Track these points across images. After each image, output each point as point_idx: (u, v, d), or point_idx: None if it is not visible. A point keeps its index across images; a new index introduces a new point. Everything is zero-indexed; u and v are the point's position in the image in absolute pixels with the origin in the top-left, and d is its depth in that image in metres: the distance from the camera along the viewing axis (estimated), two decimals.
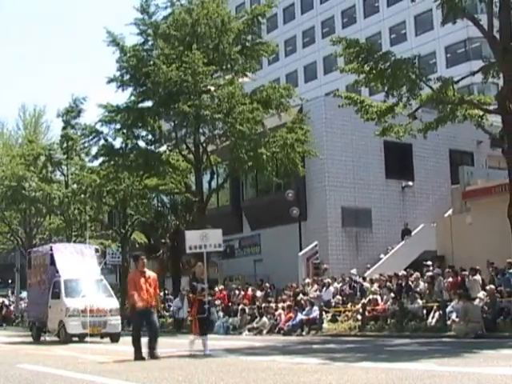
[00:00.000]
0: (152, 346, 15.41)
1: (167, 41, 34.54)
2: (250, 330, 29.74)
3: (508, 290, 22.42)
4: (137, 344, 15.49)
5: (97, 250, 29.92)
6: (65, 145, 46.62)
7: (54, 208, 46.86)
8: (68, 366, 14.32)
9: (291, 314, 28.92)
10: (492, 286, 22.64)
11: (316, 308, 27.90)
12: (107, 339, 25.98)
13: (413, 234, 36.44)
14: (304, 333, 27.11)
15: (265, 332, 29.08)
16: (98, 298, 26.08)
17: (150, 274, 16.10)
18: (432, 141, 32.83)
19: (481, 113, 23.63)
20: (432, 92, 22.55)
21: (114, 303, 26.62)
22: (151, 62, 34.10)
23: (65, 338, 25.14)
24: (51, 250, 28.46)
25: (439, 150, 39.85)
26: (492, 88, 46.29)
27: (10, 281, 66.67)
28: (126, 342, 21.90)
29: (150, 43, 36.28)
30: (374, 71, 22.61)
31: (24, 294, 56.54)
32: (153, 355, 15.27)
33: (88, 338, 25.21)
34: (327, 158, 36.44)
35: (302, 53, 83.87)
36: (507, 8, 22.02)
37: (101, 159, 37.99)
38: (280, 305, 30.37)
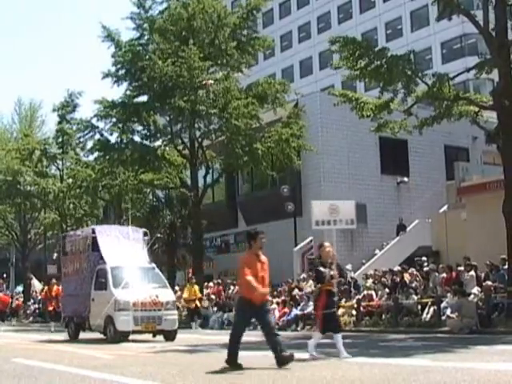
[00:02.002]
0: (281, 349, 11.96)
1: (163, 35, 34.47)
2: None
3: (502, 286, 22.48)
4: (235, 345, 12.26)
5: (145, 234, 25.00)
6: (60, 139, 46.57)
7: (49, 202, 46.84)
8: (63, 360, 14.32)
9: (286, 309, 28.96)
10: (489, 282, 22.69)
11: (311, 303, 27.93)
12: (159, 337, 22.34)
13: (408, 229, 36.47)
14: (299, 328, 27.15)
15: (259, 327, 29.08)
16: (152, 288, 22.25)
17: (264, 258, 12.88)
18: (427, 137, 32.80)
19: (476, 109, 23.68)
20: (427, 88, 22.59)
21: (169, 295, 22.90)
22: (147, 57, 34.03)
23: (114, 336, 21.14)
24: (93, 232, 23.98)
25: (434, 145, 39.87)
26: (487, 84, 46.37)
27: (4, 275, 66.56)
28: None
29: (145, 38, 36.19)
30: (370, 67, 22.64)
31: (19, 289, 56.58)
32: (283, 360, 11.69)
33: (135, 336, 21.63)
34: (322, 153, 36.42)
35: (297, 48, 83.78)
36: (503, 4, 22.07)
37: (96, 154, 37.91)
38: (275, 300, 30.39)
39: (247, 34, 36.22)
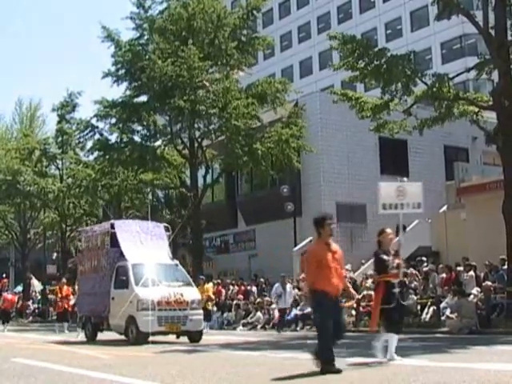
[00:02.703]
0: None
1: (163, 35, 34.47)
2: (244, 325, 29.78)
3: (502, 286, 22.49)
4: (327, 346, 10.50)
5: (167, 229, 23.54)
6: (60, 139, 46.57)
7: (48, 202, 46.82)
8: (63, 360, 14.31)
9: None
10: (488, 283, 22.69)
11: None
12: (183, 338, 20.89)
13: (407, 229, 36.38)
14: (298, 328, 27.16)
15: (259, 327, 29.13)
16: (176, 287, 20.87)
17: (336, 247, 11.18)
18: (427, 137, 32.75)
19: (476, 109, 23.69)
20: (427, 88, 22.60)
21: (194, 293, 21.44)
22: (147, 57, 34.05)
23: (136, 337, 19.77)
24: (112, 227, 22.43)
25: (434, 146, 39.84)
26: (487, 84, 46.33)
27: (4, 275, 66.54)
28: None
29: (145, 38, 36.21)
30: (369, 67, 22.65)
31: (19, 289, 56.54)
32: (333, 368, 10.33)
33: (156, 338, 20.04)
34: (322, 153, 36.41)
35: (297, 48, 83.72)
36: (502, 4, 22.09)
37: (96, 154, 37.93)
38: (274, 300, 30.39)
39: (247, 34, 36.22)
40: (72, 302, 30.05)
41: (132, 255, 21.25)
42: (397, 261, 12.11)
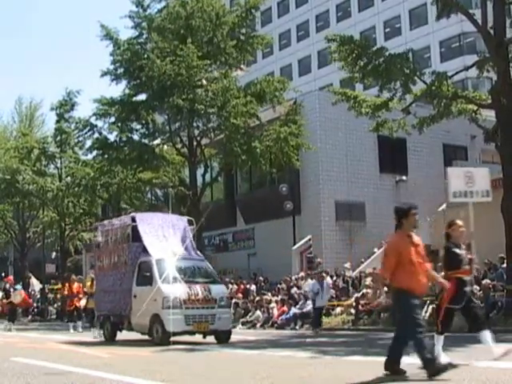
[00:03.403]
0: (398, 360, 9.92)
1: (161, 34, 34.44)
2: (243, 324, 29.79)
3: (501, 285, 22.50)
4: (430, 353, 9.61)
5: (191, 223, 22.28)
6: (58, 138, 46.53)
7: (47, 201, 46.76)
8: (63, 359, 14.31)
9: (285, 308, 28.97)
10: (488, 281, 22.70)
11: (309, 302, 27.95)
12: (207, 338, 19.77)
13: None
14: (297, 327, 27.17)
15: (258, 326, 29.13)
16: (203, 283, 19.78)
17: (418, 240, 10.03)
18: (426, 135, 32.72)
19: (475, 107, 23.69)
20: (426, 87, 22.60)
21: (222, 290, 20.65)
22: (145, 56, 34.02)
23: (162, 337, 18.56)
24: (134, 221, 21.15)
25: (433, 144, 39.83)
26: (486, 83, 46.36)
27: (3, 274, 66.55)
28: (125, 335, 21.95)
29: (144, 36, 36.18)
30: (368, 67, 22.64)
31: (18, 287, 56.44)
32: (397, 370, 9.80)
33: (179, 338, 18.90)
34: (321, 152, 36.40)
35: (296, 47, 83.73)
36: (501, 3, 22.09)
37: (95, 152, 37.90)
38: (274, 298, 30.42)
39: (246, 33, 36.19)
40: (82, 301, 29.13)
41: (155, 250, 20.15)
42: (469, 256, 11.17)
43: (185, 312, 18.68)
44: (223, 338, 19.16)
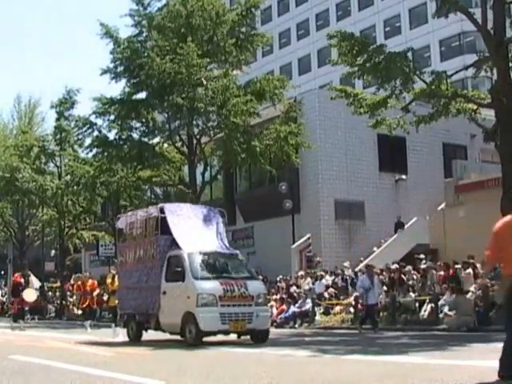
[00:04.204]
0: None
1: (161, 32, 34.42)
2: None
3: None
4: None
5: (222, 214, 20.95)
6: (58, 136, 46.52)
7: (47, 199, 46.72)
8: (62, 357, 14.31)
9: (284, 307, 28.99)
10: (487, 280, 22.70)
11: (309, 301, 27.99)
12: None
13: (406, 227, 36.49)
14: (296, 325, 27.20)
15: None
16: (239, 279, 18.40)
17: None
18: (425, 134, 32.85)
19: (474, 107, 23.69)
20: (426, 85, 22.60)
21: (260, 287, 19.11)
22: (145, 54, 34.00)
23: (195, 337, 17.32)
24: (162, 212, 19.69)
25: (433, 143, 39.86)
26: (486, 82, 46.37)
27: (2, 272, 66.55)
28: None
29: (144, 35, 36.17)
30: (368, 64, 22.64)
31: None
32: None
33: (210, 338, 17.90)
34: (321, 150, 36.40)
35: (296, 45, 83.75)
36: (501, 2, 22.08)
37: (94, 150, 37.89)
38: (273, 297, 30.42)
39: (246, 32, 36.18)
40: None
41: (186, 243, 18.75)
42: None
43: (220, 310, 17.37)
44: (260, 337, 17.92)
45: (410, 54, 22.96)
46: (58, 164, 48.12)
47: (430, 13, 53.10)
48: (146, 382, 9.85)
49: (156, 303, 18.82)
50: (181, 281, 18.01)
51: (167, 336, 19.07)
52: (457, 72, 24.22)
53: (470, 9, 24.15)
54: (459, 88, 26.86)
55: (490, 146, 25.10)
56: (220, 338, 17.75)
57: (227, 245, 20.13)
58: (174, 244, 18.95)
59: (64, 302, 46.47)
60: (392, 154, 38.65)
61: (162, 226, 19.37)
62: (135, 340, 19.72)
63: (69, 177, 45.29)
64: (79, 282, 30.06)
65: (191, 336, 17.41)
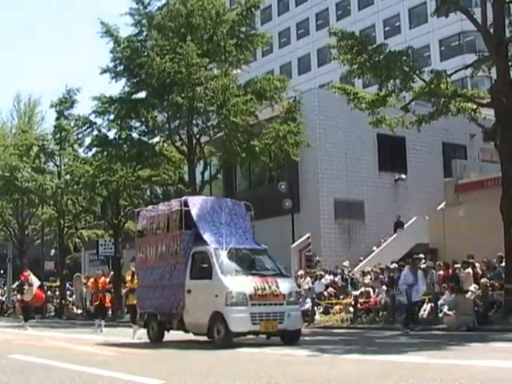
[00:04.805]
0: None
1: (161, 32, 34.42)
2: None
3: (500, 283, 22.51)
4: None
5: (248, 208, 19.76)
6: (58, 135, 46.52)
7: (46, 198, 46.73)
8: (61, 357, 14.31)
9: None
10: (486, 280, 22.72)
11: (308, 300, 27.97)
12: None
13: (405, 226, 36.50)
14: None
15: None
16: (269, 276, 17.32)
17: None
18: (425, 134, 32.82)
19: (474, 106, 23.70)
20: (425, 84, 22.60)
21: (291, 285, 18.19)
22: (145, 53, 34.00)
23: (224, 338, 16.29)
24: (186, 205, 18.56)
25: (432, 143, 39.86)
26: (486, 82, 46.36)
27: (2, 271, 66.54)
28: (126, 333, 21.90)
29: (144, 34, 36.17)
30: (368, 63, 22.64)
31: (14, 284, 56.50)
32: None
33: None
34: (320, 150, 36.40)
35: (296, 45, 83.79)
36: (501, 2, 22.09)
37: (94, 150, 37.92)
38: None
39: (246, 31, 36.18)
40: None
41: (212, 238, 17.77)
42: None
43: (251, 309, 16.29)
44: (291, 338, 16.89)
45: (409, 53, 22.94)
46: (57, 163, 48.12)
47: (430, 12, 53.27)
48: (146, 382, 9.85)
49: (180, 302, 17.81)
50: (207, 278, 17.00)
51: (188, 336, 18.41)
52: (456, 71, 24.24)
53: (469, 8, 24.17)
54: (459, 87, 26.86)
55: (490, 146, 25.13)
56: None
57: (255, 240, 19.16)
58: (199, 239, 17.93)
59: (64, 302, 46.47)
60: (392, 154, 38.67)
61: (186, 220, 18.28)
62: (156, 341, 18.73)
63: (68, 176, 45.24)
64: (92, 280, 29.15)
65: (220, 337, 16.37)
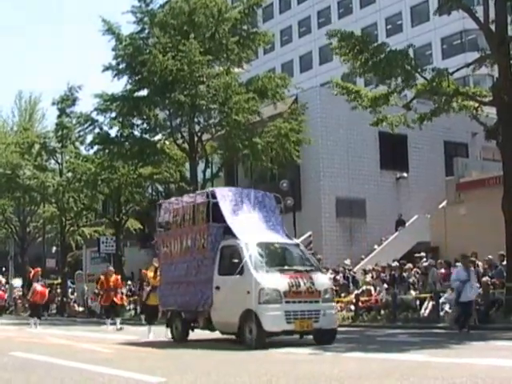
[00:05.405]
0: None
1: (163, 29, 34.43)
2: None
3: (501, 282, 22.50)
4: None
5: (278, 200, 18.86)
6: (59, 133, 46.51)
7: (48, 196, 46.77)
8: (62, 354, 14.32)
9: None
10: (488, 278, 22.69)
11: None
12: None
13: (407, 224, 36.49)
14: None
15: None
16: (303, 272, 16.20)
17: None
18: (427, 132, 32.81)
19: (476, 104, 23.68)
20: (427, 82, 22.57)
21: (326, 281, 17.23)
22: (147, 51, 34.00)
23: (257, 338, 15.18)
24: (213, 197, 17.51)
25: (434, 141, 39.83)
26: (488, 80, 46.34)
27: (3, 269, 66.60)
28: (128, 331, 21.80)
29: (146, 32, 36.17)
30: (369, 62, 22.60)
31: (17, 283, 56.59)
32: None
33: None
34: (322, 148, 36.41)
35: (297, 43, 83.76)
36: (503, 0, 22.05)
37: (96, 147, 37.95)
38: None
39: (247, 29, 36.18)
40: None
41: (242, 232, 16.61)
42: None
43: (285, 307, 15.25)
44: (327, 338, 15.87)
45: (411, 51, 22.92)
46: (59, 161, 48.14)
47: (432, 10, 53.18)
48: (147, 379, 9.84)
49: (208, 299, 16.67)
50: (238, 274, 15.85)
51: (212, 335, 17.69)
52: (458, 69, 24.20)
53: (471, 6, 24.15)
54: (461, 86, 26.84)
55: (492, 144, 25.12)
56: (220, 336, 17.69)
57: (286, 233, 18.13)
58: (227, 233, 16.85)
59: (65, 299, 46.53)
60: (393, 152, 38.64)
61: (215, 213, 17.18)
62: (181, 340, 17.63)
63: (70, 174, 45.29)
64: (102, 277, 28.18)
65: (252, 337, 15.29)
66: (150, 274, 22.04)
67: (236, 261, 15.95)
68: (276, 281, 15.40)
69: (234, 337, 16.60)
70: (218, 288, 16.39)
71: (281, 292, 15.21)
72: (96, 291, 35.19)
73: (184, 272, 17.75)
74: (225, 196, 17.68)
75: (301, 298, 15.46)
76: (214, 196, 17.48)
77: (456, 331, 19.02)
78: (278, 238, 17.22)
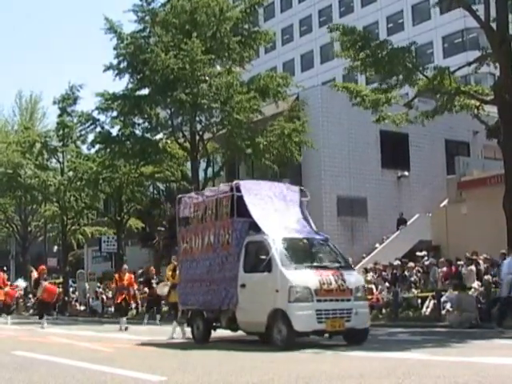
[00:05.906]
0: None
1: (165, 28, 34.43)
2: None
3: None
4: None
5: (305, 194, 18.11)
6: (61, 132, 46.51)
7: (49, 195, 46.79)
8: (63, 353, 14.33)
9: None
10: (489, 277, 22.69)
11: None
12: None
13: (408, 223, 36.48)
14: None
15: None
16: (334, 269, 15.39)
17: None
18: (428, 131, 32.81)
19: (477, 103, 23.68)
20: (428, 81, 22.57)
21: (358, 279, 16.30)
22: (149, 50, 33.97)
23: (287, 338, 14.44)
24: (237, 190, 16.63)
25: (435, 140, 39.83)
26: (489, 78, 46.31)
27: (5, 268, 66.66)
28: (130, 330, 21.75)
29: (147, 30, 36.14)
30: (371, 59, 22.60)
31: (20, 282, 56.56)
32: None
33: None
34: (323, 147, 36.40)
35: (298, 41, 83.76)
36: None
37: (97, 146, 37.94)
38: None
39: (249, 28, 36.18)
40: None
41: (269, 227, 15.80)
42: None
43: (316, 306, 14.47)
44: (358, 338, 15.18)
45: (412, 49, 22.92)
46: (60, 160, 48.14)
47: (433, 9, 53.18)
48: (148, 378, 9.85)
49: (233, 298, 15.85)
50: (266, 271, 15.08)
51: (237, 334, 17.12)
52: (459, 68, 24.20)
53: (473, 5, 24.14)
54: (462, 84, 26.84)
55: (493, 143, 25.13)
56: (222, 334, 17.67)
57: (315, 228, 17.22)
58: (252, 228, 16.06)
59: (67, 298, 46.56)
60: (394, 151, 38.64)
61: (239, 207, 16.38)
62: (202, 341, 17.06)
63: (71, 173, 45.33)
64: (116, 276, 27.56)
65: (281, 337, 14.51)
66: (169, 272, 21.43)
67: (263, 257, 15.23)
68: (306, 278, 14.65)
69: (237, 336, 16.64)
70: (243, 286, 15.62)
71: (311, 290, 14.46)
72: (107, 289, 35.16)
73: (206, 269, 16.95)
74: (250, 189, 16.84)
75: (332, 296, 14.74)
76: (238, 189, 16.64)
77: (493, 329, 18.74)
78: (306, 233, 16.49)
